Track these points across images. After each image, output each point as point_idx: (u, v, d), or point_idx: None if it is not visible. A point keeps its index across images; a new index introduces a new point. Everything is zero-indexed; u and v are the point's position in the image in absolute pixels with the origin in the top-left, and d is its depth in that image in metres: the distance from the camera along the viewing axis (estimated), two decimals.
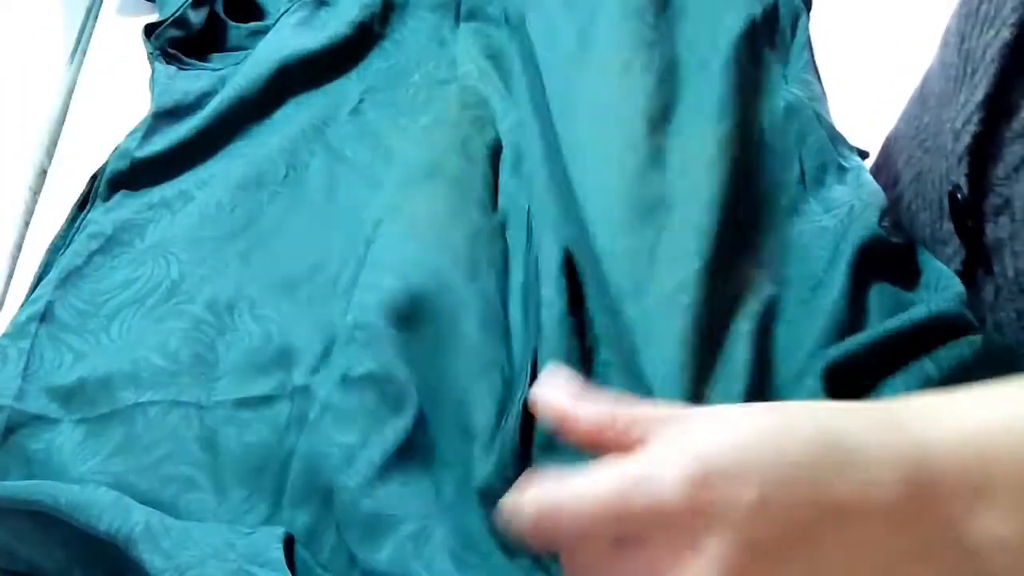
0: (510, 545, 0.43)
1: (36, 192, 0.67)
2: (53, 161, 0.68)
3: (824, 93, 0.63)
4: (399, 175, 0.59)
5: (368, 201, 0.59)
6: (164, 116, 0.63)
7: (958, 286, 0.49)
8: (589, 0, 0.65)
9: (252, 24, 0.72)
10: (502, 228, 0.57)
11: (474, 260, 0.54)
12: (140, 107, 0.65)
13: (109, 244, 0.57)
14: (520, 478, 0.42)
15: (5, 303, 0.61)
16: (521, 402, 0.47)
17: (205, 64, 0.68)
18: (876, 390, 0.47)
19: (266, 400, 0.50)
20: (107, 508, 0.44)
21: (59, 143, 0.69)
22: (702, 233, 0.53)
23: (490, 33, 0.67)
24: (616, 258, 0.53)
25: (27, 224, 0.65)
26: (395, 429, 0.47)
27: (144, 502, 0.45)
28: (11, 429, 0.48)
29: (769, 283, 0.53)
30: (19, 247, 0.64)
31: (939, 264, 0.52)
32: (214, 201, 0.58)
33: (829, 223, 0.54)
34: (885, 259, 0.52)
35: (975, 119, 0.46)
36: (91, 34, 0.77)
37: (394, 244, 0.55)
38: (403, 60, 0.67)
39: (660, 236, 0.54)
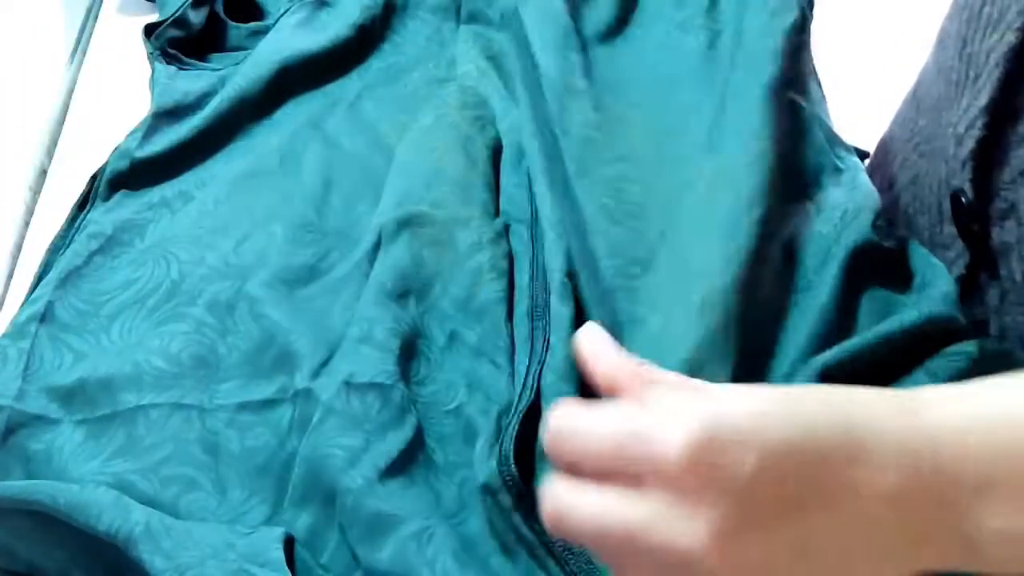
0: (509, 548, 0.43)
1: (36, 192, 0.68)
2: (53, 161, 0.69)
3: (823, 95, 0.63)
4: (400, 178, 0.59)
5: (365, 196, 0.59)
6: (164, 116, 0.63)
7: (947, 284, 0.49)
8: None
9: (252, 24, 0.72)
10: (505, 231, 0.57)
11: (477, 265, 0.54)
12: (140, 107, 0.65)
13: (109, 244, 0.57)
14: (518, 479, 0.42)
15: (5, 303, 0.61)
16: (524, 410, 0.47)
17: (205, 64, 0.68)
18: None
19: (268, 404, 0.50)
20: (107, 508, 0.44)
21: (59, 143, 0.69)
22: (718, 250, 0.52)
23: (490, 36, 0.67)
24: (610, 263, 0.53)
25: (27, 224, 0.65)
26: (396, 438, 0.47)
27: (144, 502, 0.45)
28: (11, 429, 0.48)
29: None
30: (19, 247, 0.64)
31: (932, 260, 0.51)
32: (212, 199, 0.58)
33: (823, 227, 0.54)
34: (877, 263, 0.52)
35: (979, 123, 0.45)
36: (91, 34, 0.77)
37: (395, 247, 0.55)
38: (403, 60, 0.67)
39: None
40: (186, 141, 0.62)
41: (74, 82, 0.74)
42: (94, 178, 0.61)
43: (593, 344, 0.36)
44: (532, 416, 0.47)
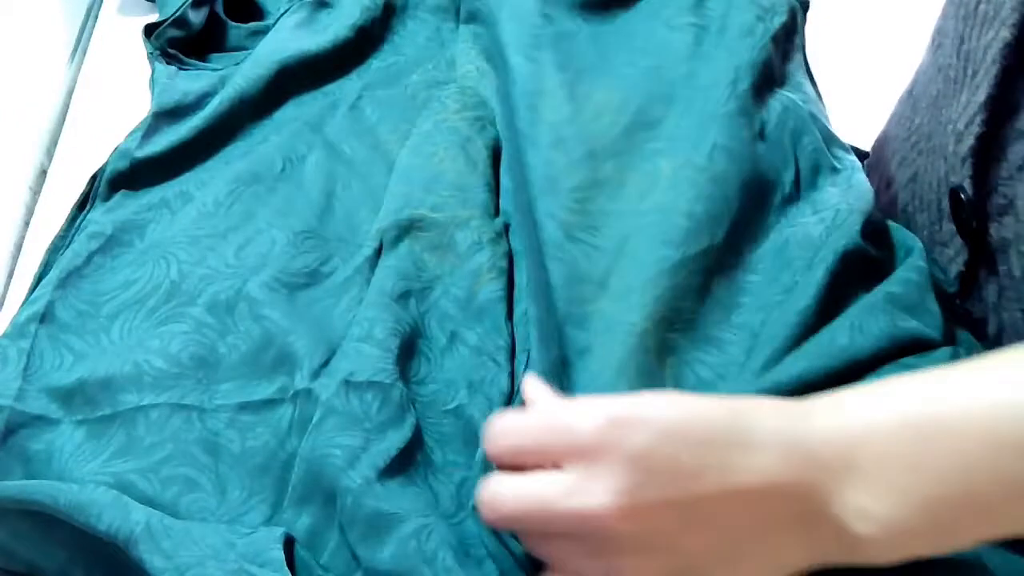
0: (503, 554, 0.44)
1: (36, 192, 0.68)
2: (53, 161, 0.69)
3: (819, 95, 0.63)
4: (400, 183, 0.59)
5: (366, 203, 0.59)
6: (164, 116, 0.63)
7: (913, 267, 0.50)
8: None
9: (252, 24, 0.72)
10: (505, 230, 0.57)
11: (477, 266, 0.54)
12: (140, 107, 0.65)
13: (109, 244, 0.57)
14: None
15: (5, 303, 0.61)
16: None
17: (205, 64, 0.68)
18: None
19: (268, 404, 0.50)
20: (107, 508, 0.44)
21: (59, 143, 0.69)
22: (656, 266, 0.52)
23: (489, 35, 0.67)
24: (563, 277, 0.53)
25: (27, 224, 0.66)
26: (395, 437, 0.47)
27: (144, 503, 0.45)
28: (11, 430, 0.48)
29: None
30: (19, 247, 0.64)
31: (909, 242, 0.52)
32: (212, 200, 0.58)
33: (814, 229, 0.54)
34: (865, 268, 0.52)
35: (978, 120, 0.46)
36: (91, 34, 0.77)
37: (396, 251, 0.55)
38: (402, 61, 0.67)
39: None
40: (186, 141, 0.62)
41: (74, 82, 0.74)
42: (94, 178, 0.61)
43: (531, 393, 0.44)
44: None
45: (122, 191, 0.60)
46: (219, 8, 0.72)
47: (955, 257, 0.51)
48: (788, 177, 0.57)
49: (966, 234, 0.49)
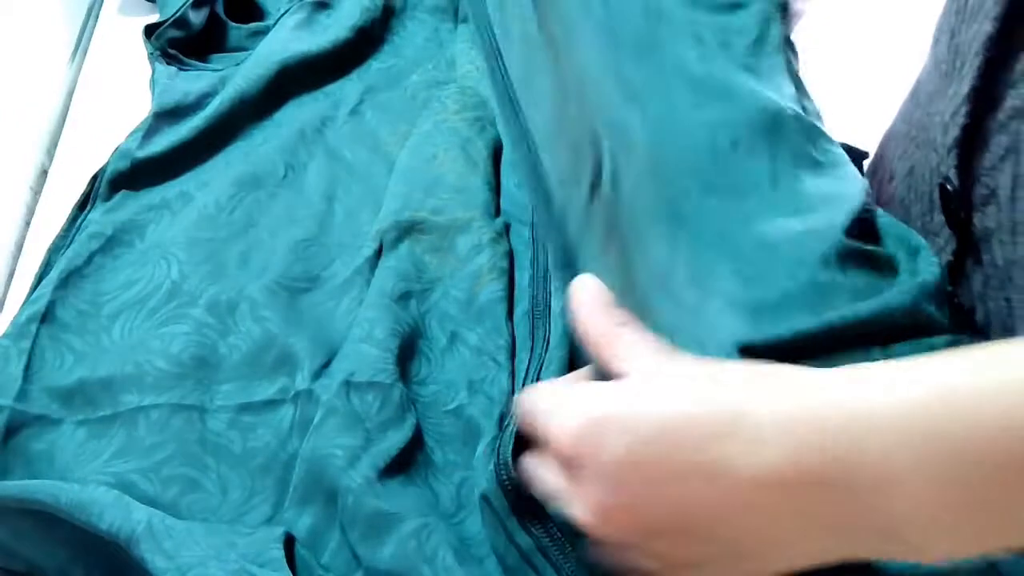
0: (501, 552, 0.44)
1: (37, 192, 0.68)
2: (54, 161, 0.69)
3: (804, 92, 0.62)
4: (400, 185, 0.59)
5: (367, 205, 0.59)
6: (165, 116, 0.63)
7: (929, 274, 0.47)
8: None
9: (252, 24, 0.72)
10: (506, 230, 0.57)
11: (477, 267, 0.54)
12: (141, 107, 0.65)
13: (109, 244, 0.57)
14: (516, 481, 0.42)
15: (6, 303, 0.61)
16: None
17: (205, 65, 0.68)
18: None
19: (269, 404, 0.50)
20: (108, 507, 0.44)
21: (60, 143, 0.69)
22: None
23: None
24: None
25: (28, 224, 0.66)
26: (395, 437, 0.47)
27: (146, 502, 0.45)
28: (13, 430, 0.49)
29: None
30: (20, 247, 0.64)
31: (915, 245, 0.50)
32: (213, 201, 0.59)
33: (796, 226, 0.53)
34: (854, 259, 0.51)
35: (962, 111, 0.46)
36: (92, 34, 0.77)
37: (397, 253, 0.55)
38: (402, 62, 0.67)
39: None
40: (187, 141, 0.62)
41: (75, 82, 0.74)
42: (95, 178, 0.61)
43: (583, 295, 0.40)
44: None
45: (123, 191, 0.60)
46: (219, 8, 0.72)
47: (944, 247, 0.51)
48: (763, 177, 0.54)
49: (953, 224, 0.49)
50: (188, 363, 0.51)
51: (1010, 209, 0.45)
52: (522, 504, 0.44)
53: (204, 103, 0.64)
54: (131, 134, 0.62)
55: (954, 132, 0.47)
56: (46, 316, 0.53)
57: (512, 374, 0.51)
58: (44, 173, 0.69)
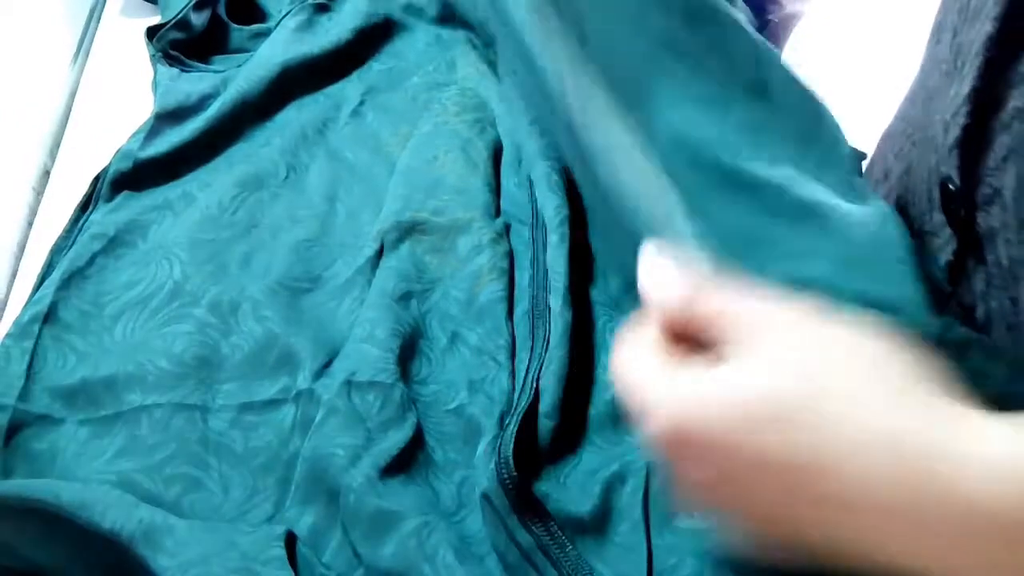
0: (502, 550, 0.44)
1: (39, 192, 0.68)
2: (56, 162, 0.69)
3: None
4: (401, 186, 0.59)
5: (368, 206, 0.59)
6: (167, 117, 0.64)
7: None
8: None
9: (254, 26, 0.72)
10: (506, 230, 0.57)
11: (477, 268, 0.55)
12: (143, 108, 0.65)
13: (112, 245, 0.57)
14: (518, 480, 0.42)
15: (9, 303, 0.61)
16: (524, 410, 0.47)
17: (207, 66, 0.68)
18: None
19: (271, 404, 0.50)
20: (110, 506, 0.44)
21: (62, 144, 0.70)
22: None
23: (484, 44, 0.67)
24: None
25: (30, 224, 0.66)
26: (396, 437, 0.47)
27: (148, 501, 0.45)
28: (15, 429, 0.49)
29: None
30: (22, 247, 0.64)
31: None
32: (215, 202, 0.59)
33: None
34: None
35: (963, 111, 0.46)
36: (94, 36, 0.77)
37: (398, 253, 0.55)
38: (403, 64, 0.68)
39: None
40: (188, 142, 0.62)
41: (77, 83, 0.74)
42: (97, 179, 0.61)
43: (651, 267, 0.37)
44: (532, 416, 0.47)
45: (125, 192, 0.60)
46: (221, 10, 0.72)
47: (944, 247, 0.51)
48: None
49: (955, 224, 0.49)
50: (190, 363, 0.51)
51: (1016, 209, 0.45)
52: (523, 503, 0.44)
53: (206, 104, 0.64)
54: (133, 135, 0.63)
55: (955, 132, 0.47)
56: (49, 316, 0.53)
57: (512, 374, 0.51)
58: (46, 174, 0.69)
